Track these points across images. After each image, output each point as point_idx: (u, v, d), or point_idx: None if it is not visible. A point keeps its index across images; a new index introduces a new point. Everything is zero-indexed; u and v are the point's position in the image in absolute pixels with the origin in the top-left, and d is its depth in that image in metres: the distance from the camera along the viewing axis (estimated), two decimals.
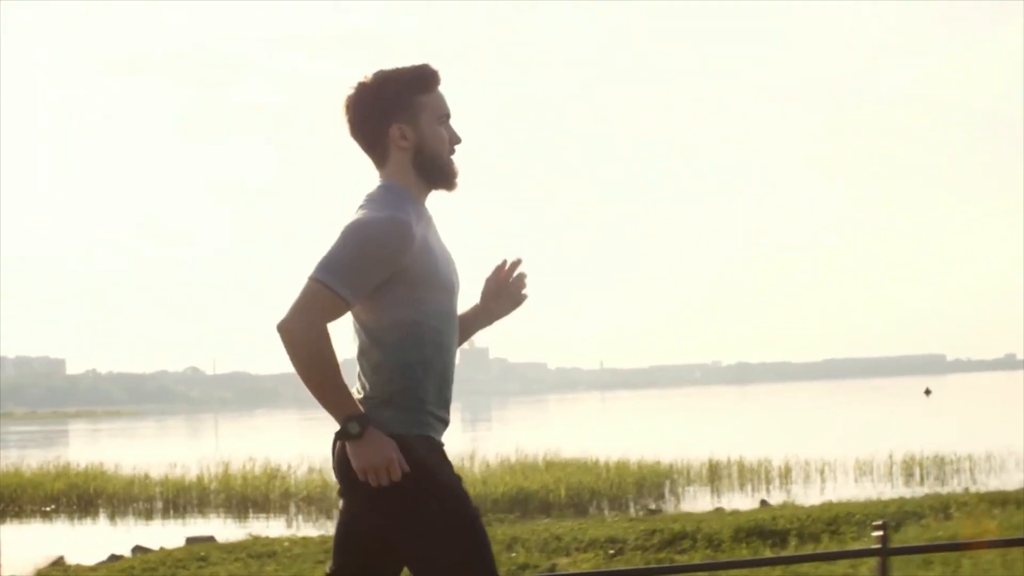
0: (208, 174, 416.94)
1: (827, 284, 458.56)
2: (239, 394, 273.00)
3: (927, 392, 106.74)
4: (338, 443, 3.72)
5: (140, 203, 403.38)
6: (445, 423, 3.80)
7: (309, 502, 23.75)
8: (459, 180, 3.87)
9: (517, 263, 4.12)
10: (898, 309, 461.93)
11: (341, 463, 3.73)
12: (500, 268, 4.13)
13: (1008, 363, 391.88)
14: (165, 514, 24.08)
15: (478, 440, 41.85)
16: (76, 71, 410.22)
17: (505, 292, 4.13)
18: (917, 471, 25.51)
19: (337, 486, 3.83)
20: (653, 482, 23.49)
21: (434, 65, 3.86)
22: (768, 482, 25.57)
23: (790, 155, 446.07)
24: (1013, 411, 60.22)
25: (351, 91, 3.84)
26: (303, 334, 3.58)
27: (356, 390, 3.76)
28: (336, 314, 3.63)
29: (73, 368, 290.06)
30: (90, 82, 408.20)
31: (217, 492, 25.13)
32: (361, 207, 3.75)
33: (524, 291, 4.12)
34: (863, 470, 26.36)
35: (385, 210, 3.70)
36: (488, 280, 4.15)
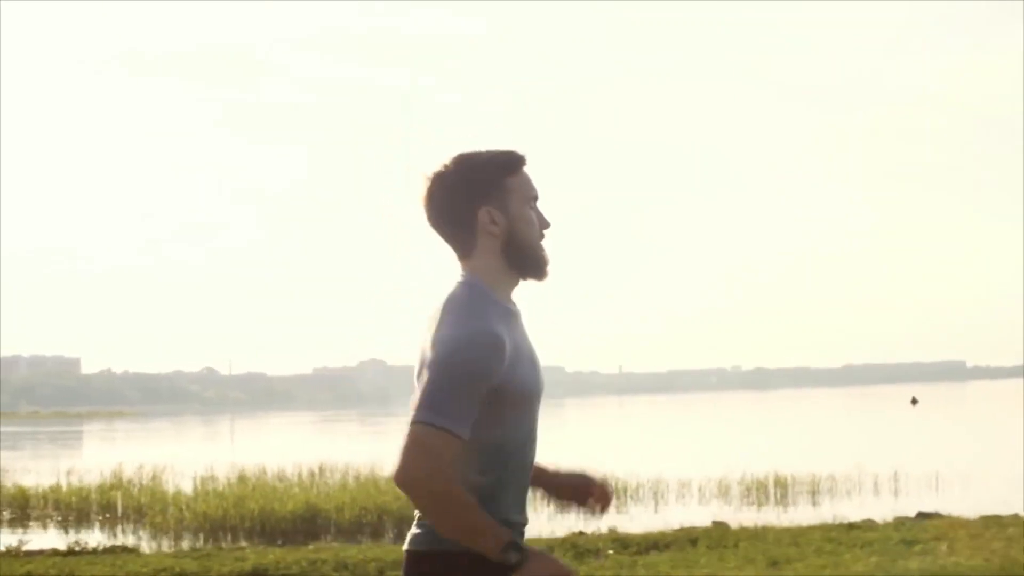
0: (229, 175, 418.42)
1: (848, 289, 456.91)
2: (253, 395, 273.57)
3: (914, 401, 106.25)
4: (407, 567, 3.48)
5: (159, 203, 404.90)
6: (522, 527, 3.51)
7: (133, 514, 23.56)
8: (550, 269, 3.57)
9: (606, 501, 3.82)
10: (919, 315, 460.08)
11: None
12: (601, 490, 3.79)
13: None
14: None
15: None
16: (99, 70, 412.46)
17: (580, 499, 3.81)
18: (754, 493, 25.39)
19: None
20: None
21: (520, 150, 3.58)
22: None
23: (811, 159, 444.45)
24: (979, 425, 59.87)
25: (431, 175, 3.53)
26: (427, 485, 3.29)
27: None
28: (452, 452, 3.30)
29: (88, 367, 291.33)
30: (114, 81, 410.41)
31: (58, 503, 25.07)
32: (444, 313, 3.43)
33: (599, 510, 3.80)
34: (705, 491, 26.30)
35: (473, 321, 3.38)
36: (582, 485, 3.79)
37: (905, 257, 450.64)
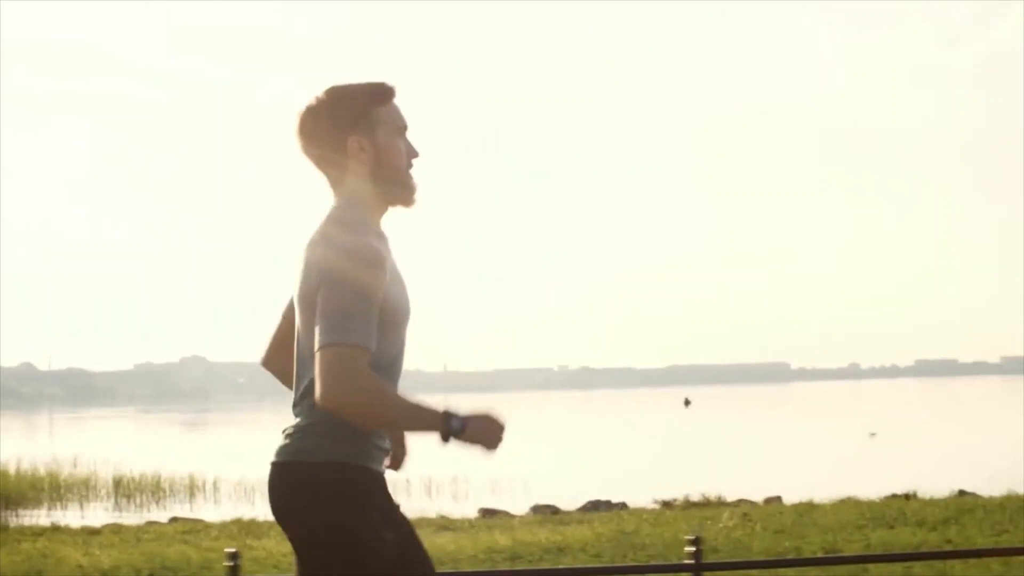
0: (49, 165, 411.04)
1: (677, 291, 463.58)
2: (72, 391, 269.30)
3: (687, 403, 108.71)
4: (272, 478, 3.51)
5: None
6: (385, 452, 3.61)
7: None
8: (417, 196, 3.69)
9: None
10: (745, 317, 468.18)
11: (276, 501, 3.51)
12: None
13: (852, 372, 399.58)
14: None
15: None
16: None
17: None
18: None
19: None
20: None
21: (389, 81, 3.69)
22: (127, 498, 26.56)
23: (643, 165, 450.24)
24: (677, 429, 61.82)
25: (304, 107, 3.63)
26: (354, 398, 3.35)
27: (295, 414, 3.56)
28: (365, 362, 3.38)
29: None
30: None
31: None
32: (323, 234, 3.53)
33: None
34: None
35: (356, 238, 3.48)
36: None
37: (734, 261, 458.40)
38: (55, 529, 18.10)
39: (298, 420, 3.51)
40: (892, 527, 12.40)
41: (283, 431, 3.54)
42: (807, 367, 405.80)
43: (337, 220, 3.55)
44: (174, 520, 20.63)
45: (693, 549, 5.60)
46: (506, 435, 3.47)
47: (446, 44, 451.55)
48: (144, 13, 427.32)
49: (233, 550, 6.00)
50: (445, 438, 3.40)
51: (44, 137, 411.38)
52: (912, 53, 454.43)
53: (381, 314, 3.46)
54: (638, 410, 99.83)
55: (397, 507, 3.62)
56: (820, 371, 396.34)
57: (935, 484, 20.53)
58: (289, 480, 3.47)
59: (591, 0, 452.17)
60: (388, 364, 3.54)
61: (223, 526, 17.65)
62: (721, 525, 13.28)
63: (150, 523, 20.12)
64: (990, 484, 19.63)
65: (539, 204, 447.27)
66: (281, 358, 3.81)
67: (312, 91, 3.64)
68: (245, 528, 16.93)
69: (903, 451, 37.55)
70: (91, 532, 17.42)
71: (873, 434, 45.43)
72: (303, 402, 3.52)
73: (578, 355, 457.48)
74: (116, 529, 17.88)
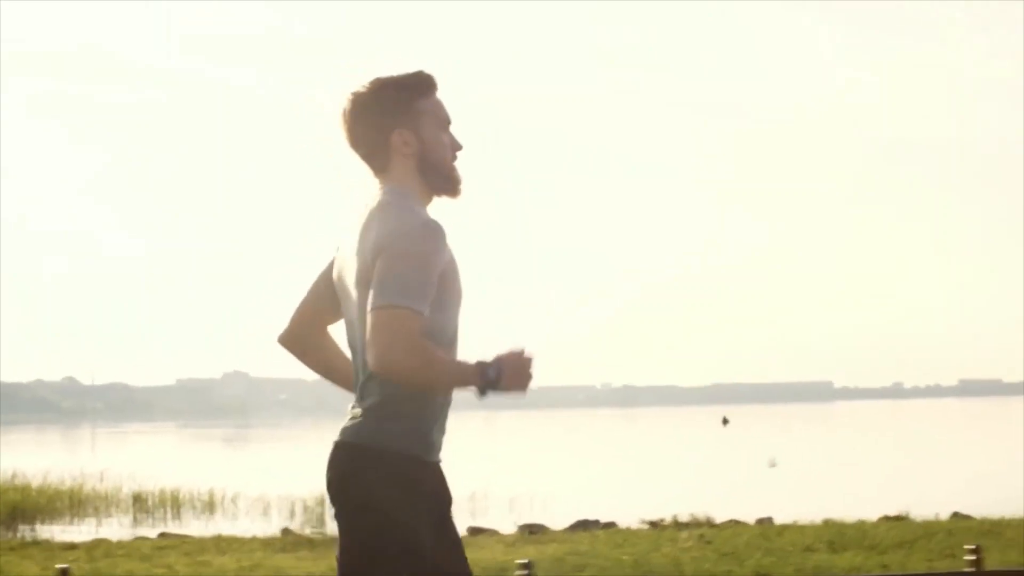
0: (89, 179, 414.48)
1: (719, 308, 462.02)
2: (112, 406, 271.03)
3: (724, 421, 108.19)
4: (331, 456, 3.57)
5: (18, 208, 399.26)
6: (442, 437, 3.65)
7: None
8: (462, 187, 3.76)
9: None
10: (788, 336, 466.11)
11: (328, 478, 3.57)
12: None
13: (895, 392, 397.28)
14: None
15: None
16: None
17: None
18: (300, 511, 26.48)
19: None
20: None
21: (430, 71, 3.75)
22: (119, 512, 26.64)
23: (681, 177, 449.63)
24: (693, 450, 61.52)
25: (348, 99, 3.70)
26: (405, 360, 3.41)
27: (358, 396, 3.60)
28: (418, 327, 3.43)
29: None
30: None
31: None
32: (379, 215, 3.62)
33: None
34: (255, 507, 27.43)
35: (414, 215, 3.59)
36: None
37: (776, 278, 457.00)
38: (33, 544, 17.99)
39: (362, 401, 3.55)
40: (846, 550, 12.11)
41: (350, 408, 3.59)
42: (850, 386, 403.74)
43: (390, 204, 3.60)
44: (162, 536, 20.49)
45: (525, 573, 5.38)
46: (534, 366, 3.50)
47: (446, 44, 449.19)
48: (144, 14, 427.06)
49: (65, 566, 5.82)
50: (483, 391, 3.46)
51: (44, 137, 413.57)
52: (914, 53, 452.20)
53: (441, 284, 3.52)
54: (674, 428, 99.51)
55: (450, 502, 3.62)
56: (863, 390, 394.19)
57: (934, 506, 20.19)
58: (343, 461, 3.52)
59: (591, 0, 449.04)
60: (451, 336, 3.60)
61: (199, 541, 17.55)
62: (679, 547, 13.00)
63: (139, 538, 19.97)
64: (988, 506, 19.31)
65: (584, 219, 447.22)
66: (305, 335, 3.82)
67: (357, 82, 3.69)
68: (218, 544, 16.82)
69: (918, 471, 37.17)
70: (68, 547, 17.31)
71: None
72: (367, 384, 3.55)
73: (621, 373, 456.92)
74: (95, 544, 17.74)
